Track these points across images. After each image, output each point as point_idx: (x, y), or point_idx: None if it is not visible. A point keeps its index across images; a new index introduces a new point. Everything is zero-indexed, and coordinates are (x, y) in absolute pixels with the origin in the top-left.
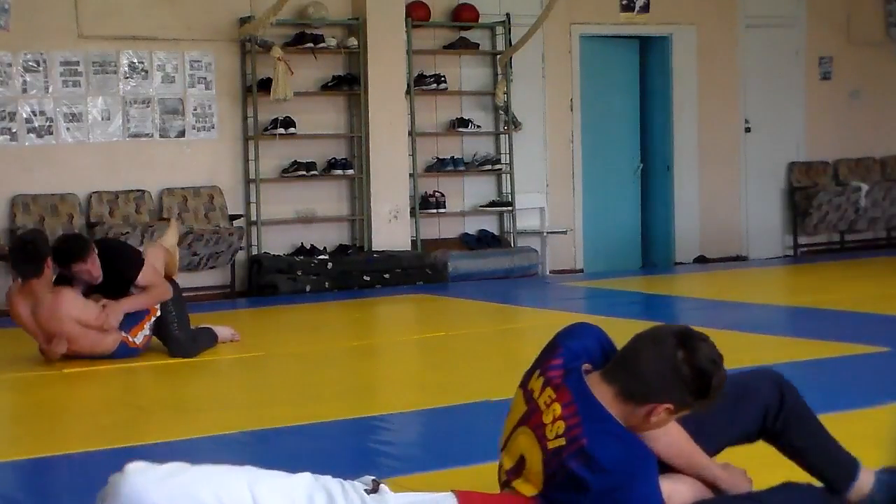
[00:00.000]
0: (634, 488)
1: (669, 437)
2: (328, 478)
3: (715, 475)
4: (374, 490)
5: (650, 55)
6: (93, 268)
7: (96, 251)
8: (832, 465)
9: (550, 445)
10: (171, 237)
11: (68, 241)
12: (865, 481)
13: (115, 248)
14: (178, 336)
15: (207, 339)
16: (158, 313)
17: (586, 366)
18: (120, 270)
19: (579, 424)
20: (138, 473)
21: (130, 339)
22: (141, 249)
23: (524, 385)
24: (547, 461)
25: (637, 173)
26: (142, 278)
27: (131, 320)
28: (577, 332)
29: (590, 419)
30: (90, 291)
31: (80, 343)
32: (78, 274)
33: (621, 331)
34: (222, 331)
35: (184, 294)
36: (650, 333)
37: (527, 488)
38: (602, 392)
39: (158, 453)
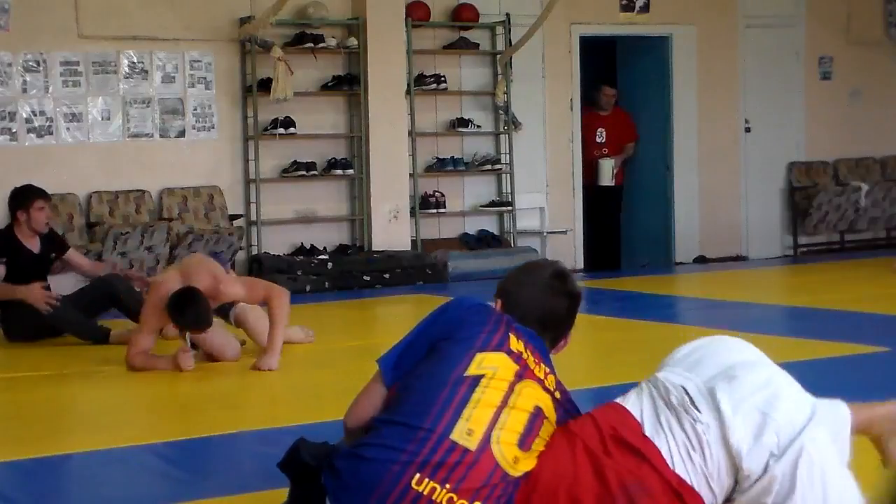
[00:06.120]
0: None
1: None
2: None
3: None
4: None
5: (650, 55)
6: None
7: None
8: None
9: (558, 396)
10: (295, 334)
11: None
12: None
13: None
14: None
15: None
16: None
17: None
18: None
19: (559, 380)
20: None
21: None
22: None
23: (501, 347)
24: (557, 407)
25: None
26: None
27: None
28: (484, 304)
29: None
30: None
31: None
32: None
33: (621, 330)
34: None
35: None
36: (539, 281)
37: (529, 460)
38: None
39: (159, 453)
